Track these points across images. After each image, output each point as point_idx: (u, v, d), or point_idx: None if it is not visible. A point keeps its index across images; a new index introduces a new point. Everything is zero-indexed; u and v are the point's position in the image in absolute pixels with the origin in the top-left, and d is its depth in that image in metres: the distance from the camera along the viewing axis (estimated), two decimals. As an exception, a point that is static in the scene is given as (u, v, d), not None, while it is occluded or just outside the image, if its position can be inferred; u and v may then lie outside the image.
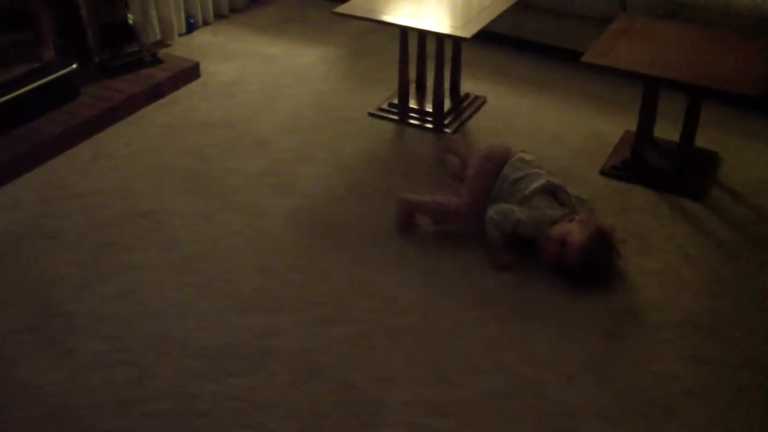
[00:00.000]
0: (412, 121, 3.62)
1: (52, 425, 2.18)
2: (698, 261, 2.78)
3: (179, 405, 2.24)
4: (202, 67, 4.04)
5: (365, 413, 2.19)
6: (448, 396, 2.26)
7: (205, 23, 4.60)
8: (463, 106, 3.72)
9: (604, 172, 3.25)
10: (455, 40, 3.56)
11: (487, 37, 3.67)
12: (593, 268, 2.66)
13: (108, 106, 3.60)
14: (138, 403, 2.25)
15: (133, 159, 3.35)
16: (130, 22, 3.89)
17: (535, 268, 2.72)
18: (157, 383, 2.31)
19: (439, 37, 3.35)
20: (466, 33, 3.16)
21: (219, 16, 4.70)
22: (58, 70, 3.55)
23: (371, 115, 3.68)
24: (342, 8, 3.41)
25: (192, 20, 4.50)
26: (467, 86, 3.84)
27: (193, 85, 3.95)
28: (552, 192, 2.81)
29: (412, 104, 3.68)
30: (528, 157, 2.91)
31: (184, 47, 4.29)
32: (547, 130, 3.56)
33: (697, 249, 2.83)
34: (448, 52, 3.59)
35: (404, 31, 3.45)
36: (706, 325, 2.51)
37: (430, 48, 3.57)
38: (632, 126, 3.29)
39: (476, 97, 3.80)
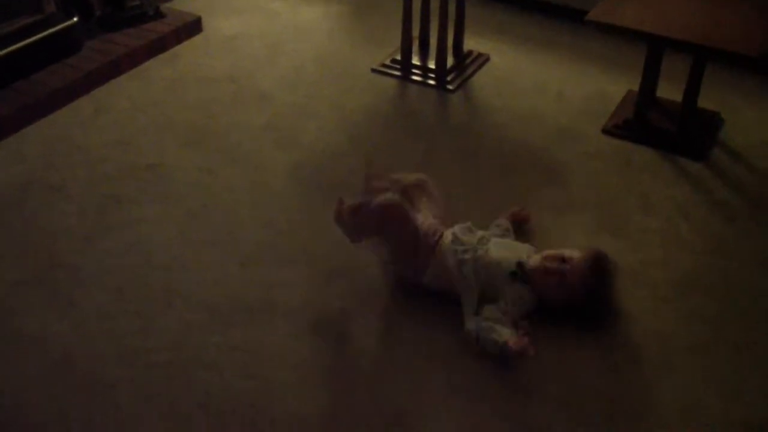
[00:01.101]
0: (414, 78, 3.61)
1: (56, 376, 2.20)
2: (698, 221, 2.79)
3: (182, 356, 2.27)
4: (204, 21, 4.03)
5: (368, 367, 2.22)
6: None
7: (208, -23, 4.58)
8: (466, 63, 3.71)
9: (606, 131, 3.25)
10: (459, -3, 3.55)
11: (491, -6, 3.67)
12: (600, 285, 2.38)
13: (109, 60, 3.59)
14: (141, 355, 2.27)
15: (135, 113, 3.35)
16: (132, -25, 3.87)
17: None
18: (160, 335, 2.33)
19: (443, -6, 3.33)
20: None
21: (221, -30, 4.67)
22: (59, 24, 3.53)
23: (374, 71, 3.67)
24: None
25: (194, -26, 4.47)
26: (471, 44, 3.83)
27: (196, 40, 3.94)
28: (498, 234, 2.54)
29: (415, 61, 3.68)
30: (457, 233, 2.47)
31: (185, 1, 4.26)
32: (550, 89, 3.55)
33: (697, 209, 2.84)
34: (452, 10, 3.58)
35: (408, -12, 3.44)
36: (705, 284, 2.53)
37: (434, 5, 3.56)
38: (635, 86, 3.29)
39: (479, 55, 3.79)
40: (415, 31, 3.71)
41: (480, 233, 2.46)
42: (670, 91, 3.35)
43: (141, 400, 2.14)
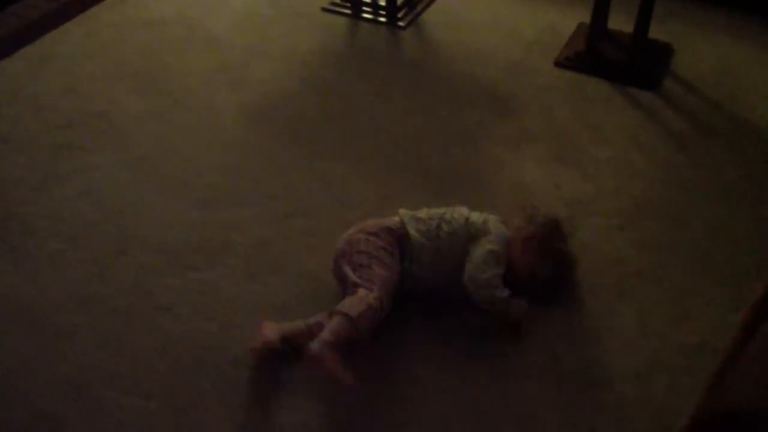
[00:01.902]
0: (365, 15, 3.58)
1: (15, 328, 2.19)
2: (650, 149, 2.82)
3: (140, 300, 2.26)
4: (150, -36, 3.95)
5: (326, 303, 2.23)
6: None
7: None
8: None
9: (558, 64, 3.25)
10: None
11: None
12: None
13: (56, 7, 3.52)
14: (99, 301, 2.26)
15: (83, 60, 3.29)
16: None
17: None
18: (117, 281, 2.32)
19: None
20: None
21: None
22: (1, -29, 3.46)
23: (324, 9, 3.63)
24: None
25: None
26: (421, -20, 3.80)
27: (142, -16, 3.87)
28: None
29: (366, -2, 3.65)
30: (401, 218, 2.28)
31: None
32: (502, 24, 3.54)
33: (649, 138, 2.87)
34: (401, -55, 3.55)
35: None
36: (658, 211, 2.56)
37: (383, -59, 3.52)
38: (587, 18, 3.28)
39: (430, -9, 3.76)
40: (365, -31, 3.68)
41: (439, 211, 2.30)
42: (621, 23, 3.35)
43: (100, 346, 2.14)
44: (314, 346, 1.93)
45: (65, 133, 2.88)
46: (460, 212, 2.27)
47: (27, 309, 2.24)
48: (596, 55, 3.24)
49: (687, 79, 3.18)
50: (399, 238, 2.21)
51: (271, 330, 2.09)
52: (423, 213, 2.28)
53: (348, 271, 2.13)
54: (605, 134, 2.88)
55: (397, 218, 2.26)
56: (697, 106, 3.04)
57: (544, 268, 2.25)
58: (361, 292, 2.05)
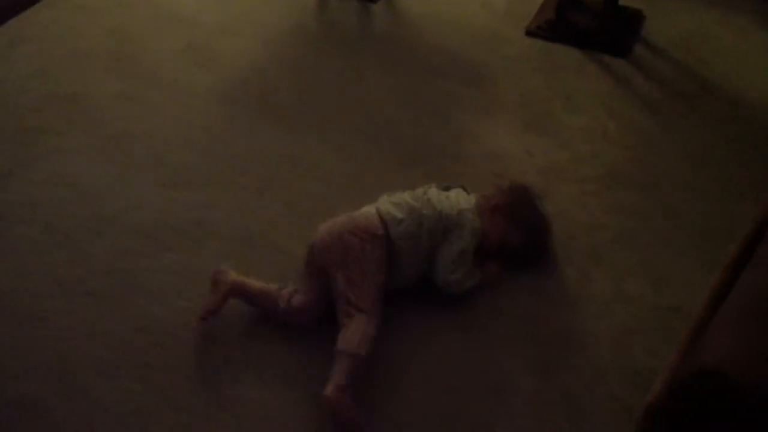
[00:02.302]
0: (336, -10, 3.56)
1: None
2: (622, 115, 2.83)
3: (117, 282, 2.26)
4: (116, -56, 3.91)
5: (300, 272, 2.23)
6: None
7: None
8: (387, -28, 3.67)
9: (529, 32, 3.26)
10: None
11: None
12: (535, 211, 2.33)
13: (22, -10, 3.48)
14: (76, 284, 2.26)
15: (52, 42, 3.26)
16: None
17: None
18: (93, 263, 2.32)
19: None
20: None
21: None
22: (-35, -47, 3.41)
23: (294, -15, 3.62)
24: None
25: None
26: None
27: (109, -36, 3.83)
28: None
29: (336, -27, 3.62)
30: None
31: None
32: (473, -5, 3.54)
33: (621, 104, 2.88)
34: None
35: None
36: (630, 176, 2.58)
37: None
38: (556, -15, 3.29)
39: (400, -36, 3.74)
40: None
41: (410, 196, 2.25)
42: (591, -11, 3.36)
43: (79, 329, 2.13)
44: (329, 390, 1.89)
45: (36, 116, 2.86)
46: (433, 204, 2.19)
47: (5, 295, 2.22)
48: (567, 23, 3.24)
49: (658, 45, 3.19)
50: (385, 244, 2.13)
51: (223, 283, 2.12)
52: (401, 211, 2.16)
53: (342, 283, 2.06)
54: (577, 102, 2.89)
55: (374, 212, 2.17)
56: (668, 71, 3.05)
57: (516, 237, 2.26)
58: (358, 319, 2.00)
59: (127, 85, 3.00)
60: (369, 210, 2.19)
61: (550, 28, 3.24)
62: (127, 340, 2.10)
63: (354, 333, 1.98)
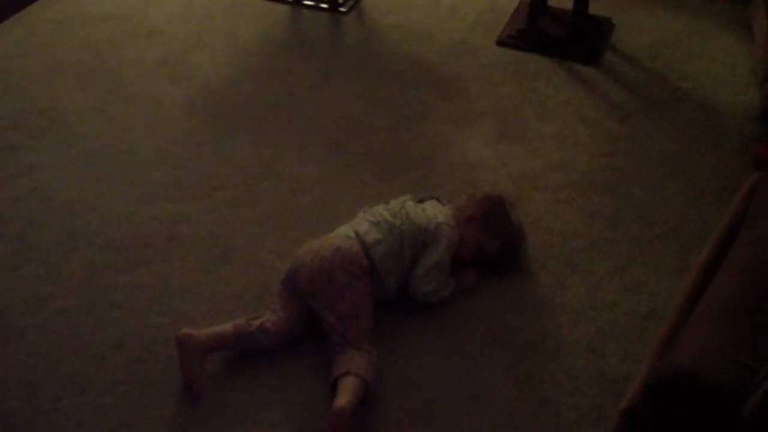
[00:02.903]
0: (306, 2, 3.56)
1: (-37, 329, 2.17)
2: (594, 123, 2.85)
3: (91, 298, 2.24)
4: (86, -41, 3.90)
5: (277, 291, 2.23)
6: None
7: None
8: (359, -16, 3.68)
9: (500, 42, 3.27)
10: None
11: None
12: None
13: (-10, 6, 3.46)
14: (50, 300, 2.24)
15: (23, 58, 3.24)
16: None
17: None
18: (67, 279, 2.30)
19: None
20: None
21: None
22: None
23: (265, -2, 3.62)
24: None
25: None
26: (361, -36, 3.80)
27: (79, -21, 3.81)
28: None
29: (306, -16, 3.63)
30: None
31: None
32: (442, 5, 3.54)
33: (592, 112, 2.90)
34: (339, -70, 3.54)
35: None
36: (603, 183, 2.60)
37: (320, -74, 3.51)
38: (526, -5, 3.32)
39: (371, -25, 3.75)
40: (304, -45, 3.66)
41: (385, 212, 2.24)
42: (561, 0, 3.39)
43: (53, 346, 2.12)
44: (338, 403, 1.88)
45: (8, 133, 2.84)
46: (412, 219, 2.20)
47: (-24, 312, 2.22)
48: (538, 32, 3.26)
49: (627, 53, 3.22)
50: (370, 270, 2.13)
51: (194, 349, 2.01)
52: (380, 231, 2.15)
53: (333, 320, 2.04)
54: (549, 110, 2.91)
55: (354, 239, 2.14)
56: (638, 78, 3.08)
57: (491, 246, 2.28)
58: (359, 355, 1.99)
59: (100, 100, 2.99)
60: (347, 233, 2.17)
61: (521, 38, 3.26)
62: (102, 356, 2.09)
63: (360, 360, 1.98)
